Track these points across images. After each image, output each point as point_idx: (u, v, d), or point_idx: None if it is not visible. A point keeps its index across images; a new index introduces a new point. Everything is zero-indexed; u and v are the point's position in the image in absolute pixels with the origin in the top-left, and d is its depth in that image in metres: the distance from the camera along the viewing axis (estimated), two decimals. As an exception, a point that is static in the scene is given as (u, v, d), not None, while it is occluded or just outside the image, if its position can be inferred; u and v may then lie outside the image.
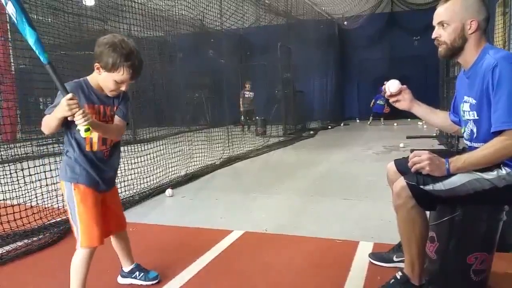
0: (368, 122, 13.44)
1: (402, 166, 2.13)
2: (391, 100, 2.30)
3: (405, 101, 2.27)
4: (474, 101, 1.90)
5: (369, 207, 3.80)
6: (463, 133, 2.06)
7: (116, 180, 2.31)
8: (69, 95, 1.77)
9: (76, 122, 1.78)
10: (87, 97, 1.97)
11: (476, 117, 1.91)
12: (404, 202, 1.90)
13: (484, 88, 1.83)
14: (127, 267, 2.37)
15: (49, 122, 1.88)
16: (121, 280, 2.40)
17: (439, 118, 2.35)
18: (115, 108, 2.07)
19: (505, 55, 1.82)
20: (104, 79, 1.96)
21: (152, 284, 2.34)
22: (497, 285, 2.15)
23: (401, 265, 2.14)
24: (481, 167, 1.83)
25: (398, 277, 2.02)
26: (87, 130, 1.78)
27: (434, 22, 1.99)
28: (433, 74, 11.89)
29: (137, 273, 2.36)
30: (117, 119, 2.07)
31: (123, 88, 1.98)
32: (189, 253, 2.77)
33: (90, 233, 1.98)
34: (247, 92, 12.14)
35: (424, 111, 2.31)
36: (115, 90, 1.98)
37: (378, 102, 13.12)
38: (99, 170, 2.03)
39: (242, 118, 12.03)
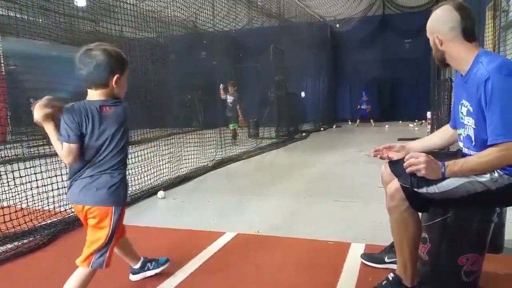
0: (356, 125, 13.85)
1: (396, 168, 2.14)
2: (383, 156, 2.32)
3: (398, 152, 2.27)
4: (471, 108, 1.91)
5: (361, 209, 3.81)
6: (459, 135, 2.07)
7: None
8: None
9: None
10: None
11: (474, 126, 1.92)
12: (398, 204, 1.90)
13: (477, 100, 1.83)
14: (137, 264, 2.39)
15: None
16: (133, 277, 2.41)
17: (437, 139, 2.37)
18: None
19: (498, 66, 1.79)
20: (122, 86, 1.99)
21: (165, 268, 2.42)
22: (488, 286, 2.17)
23: (393, 266, 2.15)
24: (477, 173, 1.84)
25: (390, 278, 2.03)
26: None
27: None
28: (424, 76, 11.98)
29: (148, 264, 2.39)
30: None
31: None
32: (182, 255, 2.76)
33: (112, 253, 2.00)
34: (230, 97, 9.93)
35: (420, 145, 2.31)
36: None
37: (362, 107, 13.68)
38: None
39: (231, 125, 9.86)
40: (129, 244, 2.36)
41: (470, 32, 1.93)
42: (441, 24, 1.94)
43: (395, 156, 2.24)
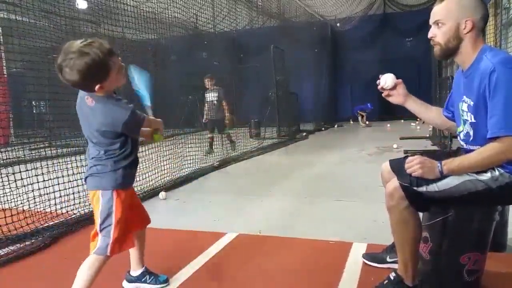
0: (361, 124, 13.60)
1: (396, 166, 2.12)
2: (384, 94, 2.28)
3: (399, 96, 2.24)
4: (472, 103, 1.89)
5: (362, 208, 3.80)
6: (460, 132, 2.05)
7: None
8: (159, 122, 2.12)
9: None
10: None
11: (473, 120, 1.90)
12: (397, 203, 1.90)
13: (481, 92, 1.81)
14: (136, 271, 2.32)
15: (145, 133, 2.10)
16: (126, 285, 2.33)
17: (433, 114, 2.31)
18: None
19: (503, 59, 1.78)
20: (113, 84, 1.90)
21: None
22: (490, 285, 2.16)
23: (395, 265, 2.14)
24: (476, 170, 1.83)
25: (392, 277, 2.03)
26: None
27: (431, 21, 1.96)
28: (426, 75, 11.96)
29: (147, 276, 2.31)
30: None
31: (122, 66, 1.94)
32: (183, 256, 2.76)
33: (124, 239, 1.99)
34: (210, 94, 8.06)
35: (418, 106, 2.28)
36: (123, 78, 1.98)
37: (357, 111, 13.77)
38: (136, 164, 2.07)
39: (209, 133, 8.10)
40: (144, 242, 2.31)
41: (485, 25, 1.92)
42: (474, 10, 1.87)
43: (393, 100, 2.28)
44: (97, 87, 1.83)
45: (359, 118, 13.73)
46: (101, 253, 1.95)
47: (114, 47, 1.91)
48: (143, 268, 2.33)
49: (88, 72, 1.77)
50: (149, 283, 2.31)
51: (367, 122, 13.45)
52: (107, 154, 1.95)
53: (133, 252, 2.29)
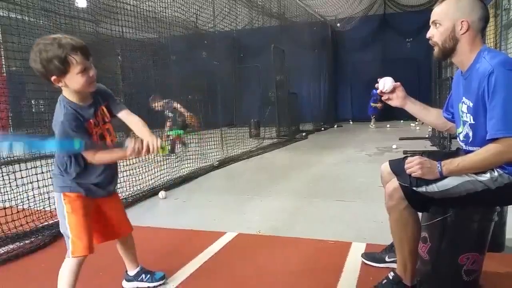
0: (371, 125, 12.98)
1: (396, 167, 2.13)
2: (383, 97, 2.29)
3: (398, 99, 2.25)
4: (471, 104, 1.89)
5: (362, 208, 3.81)
6: (459, 133, 2.06)
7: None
8: (129, 148, 1.82)
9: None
10: (84, 117, 1.92)
11: (472, 121, 1.90)
12: (397, 203, 1.90)
13: (480, 94, 1.81)
14: (132, 271, 2.35)
15: (109, 159, 1.98)
16: (126, 284, 2.36)
17: (433, 116, 2.32)
18: (103, 108, 2.03)
19: (502, 60, 1.78)
20: (73, 83, 1.85)
21: (160, 285, 2.34)
22: (488, 285, 2.17)
23: (394, 265, 2.15)
24: (475, 171, 1.84)
25: (391, 277, 2.03)
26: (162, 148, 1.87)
27: (430, 21, 1.97)
28: (425, 75, 11.99)
29: (143, 275, 2.33)
30: (124, 112, 2.06)
31: (92, 73, 1.86)
32: (182, 255, 2.76)
33: (80, 242, 1.94)
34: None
35: (417, 108, 2.28)
36: (90, 80, 1.87)
37: (371, 104, 12.91)
38: (99, 181, 2.01)
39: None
40: (132, 246, 2.33)
41: (485, 27, 1.92)
42: (470, 11, 1.87)
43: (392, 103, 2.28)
44: (53, 78, 1.83)
45: (373, 118, 13.04)
46: (68, 255, 1.97)
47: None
48: (139, 267, 2.35)
49: (44, 60, 1.79)
50: (146, 281, 2.33)
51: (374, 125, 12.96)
52: (58, 156, 1.98)
53: (123, 255, 2.32)
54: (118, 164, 2.30)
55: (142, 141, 1.85)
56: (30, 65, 1.85)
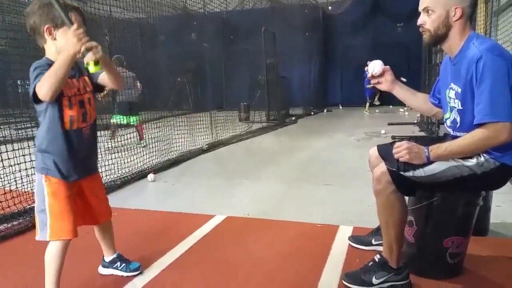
0: (365, 110, 12.79)
1: (384, 151, 2.14)
2: (373, 81, 2.29)
3: (387, 83, 2.25)
4: (459, 90, 1.90)
5: (349, 192, 3.85)
6: (446, 119, 2.07)
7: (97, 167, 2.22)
8: (75, 26, 1.68)
9: (86, 56, 1.70)
10: None
11: (460, 107, 1.92)
12: (384, 187, 1.93)
13: (468, 80, 1.82)
14: (108, 257, 2.29)
15: (56, 73, 1.67)
16: (102, 270, 2.31)
17: (419, 100, 2.33)
18: (85, 78, 1.96)
19: (490, 46, 1.80)
20: (63, 39, 1.77)
21: (134, 276, 2.26)
22: (472, 268, 2.22)
23: (380, 248, 2.18)
24: (461, 156, 1.86)
25: (377, 260, 2.07)
26: (96, 63, 1.68)
27: (420, 8, 1.95)
28: (415, 61, 11.97)
29: (118, 263, 2.27)
30: (101, 74, 1.98)
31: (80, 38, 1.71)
32: (171, 238, 2.78)
33: (61, 225, 1.88)
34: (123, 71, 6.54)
35: (405, 93, 2.29)
36: (82, 39, 1.70)
37: (367, 86, 12.74)
38: (77, 153, 1.91)
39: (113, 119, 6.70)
40: (110, 232, 2.27)
41: (473, 13, 1.92)
42: None
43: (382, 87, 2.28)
44: (46, 27, 1.79)
45: (368, 103, 12.84)
46: (42, 238, 1.90)
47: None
48: (115, 254, 2.30)
49: (44, 6, 1.77)
50: (120, 270, 2.27)
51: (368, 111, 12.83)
52: (39, 128, 1.89)
53: (100, 241, 2.26)
54: (99, 142, 2.23)
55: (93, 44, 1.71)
56: (24, 16, 1.82)
